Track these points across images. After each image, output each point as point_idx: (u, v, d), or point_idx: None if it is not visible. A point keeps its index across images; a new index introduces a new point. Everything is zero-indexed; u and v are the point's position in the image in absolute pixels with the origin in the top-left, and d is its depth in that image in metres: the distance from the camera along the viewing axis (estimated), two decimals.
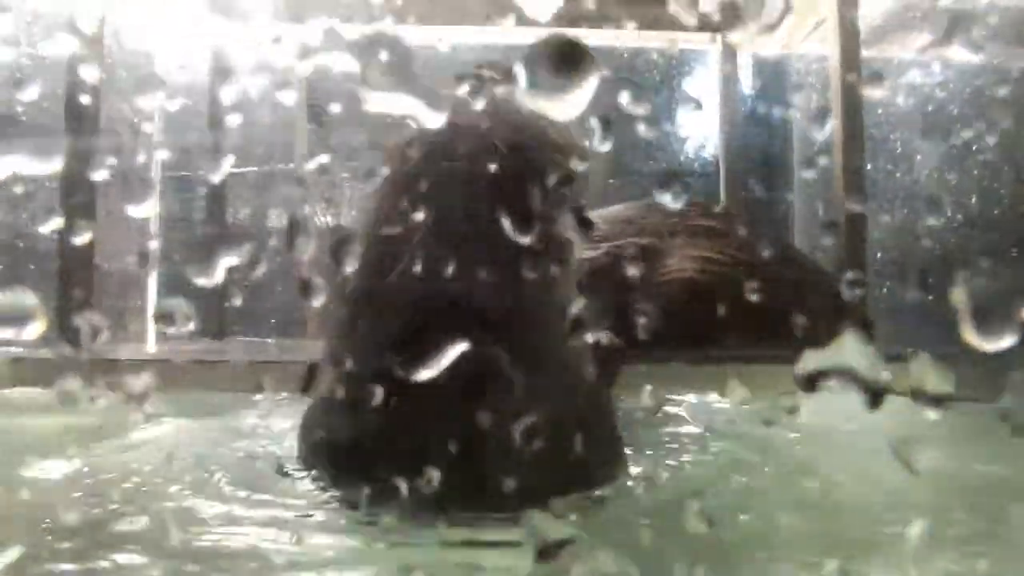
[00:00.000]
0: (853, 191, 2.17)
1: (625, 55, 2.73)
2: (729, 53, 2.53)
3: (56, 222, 1.95)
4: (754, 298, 1.50)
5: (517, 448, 0.68)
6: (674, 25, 2.51)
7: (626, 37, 2.45)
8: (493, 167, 0.83)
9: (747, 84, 2.80)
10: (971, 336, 0.53)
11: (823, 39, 2.43)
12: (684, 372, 1.42)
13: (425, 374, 0.64)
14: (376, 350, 0.73)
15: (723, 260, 1.67)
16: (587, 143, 0.87)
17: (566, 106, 0.61)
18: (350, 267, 0.78)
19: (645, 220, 1.79)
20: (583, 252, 1.71)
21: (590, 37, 2.40)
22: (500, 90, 0.94)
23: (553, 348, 0.77)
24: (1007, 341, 0.52)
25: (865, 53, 2.34)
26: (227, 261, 0.90)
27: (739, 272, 1.61)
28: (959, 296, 0.52)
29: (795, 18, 2.49)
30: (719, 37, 2.51)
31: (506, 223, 0.74)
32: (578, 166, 0.93)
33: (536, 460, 0.68)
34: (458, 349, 0.65)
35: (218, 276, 0.81)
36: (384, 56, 0.63)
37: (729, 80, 2.53)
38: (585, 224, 0.94)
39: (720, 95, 2.55)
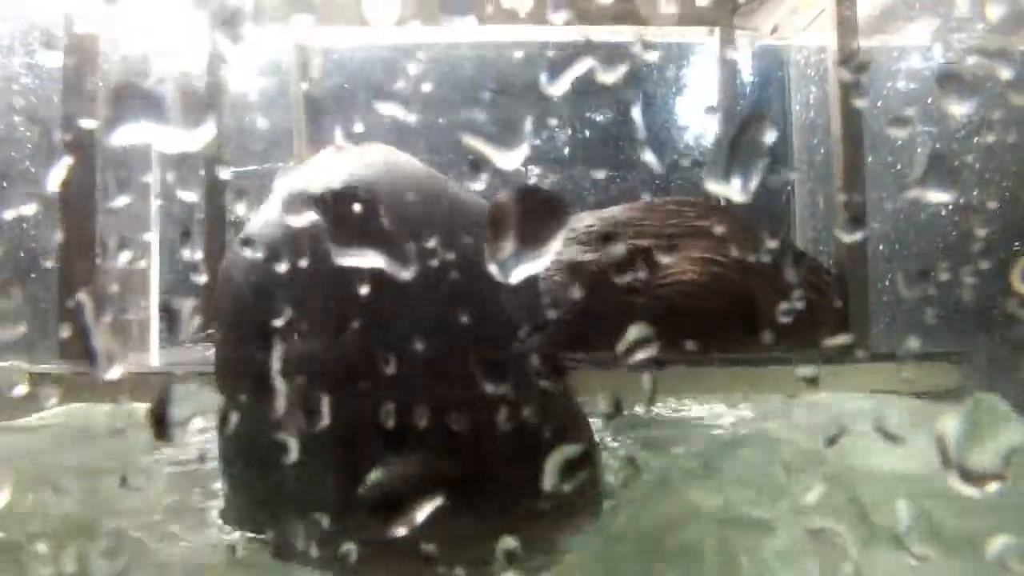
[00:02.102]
0: (852, 183, 2.15)
1: (622, 50, 2.71)
2: (727, 46, 2.52)
3: (56, 231, 1.95)
4: (756, 299, 1.49)
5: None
6: (672, 19, 2.50)
7: (623, 32, 2.43)
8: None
9: (746, 77, 2.79)
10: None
11: (822, 29, 2.41)
12: (687, 375, 1.42)
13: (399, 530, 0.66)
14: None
15: (724, 261, 1.67)
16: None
17: (536, 263, 0.59)
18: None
19: (644, 221, 1.78)
20: (583, 256, 1.70)
21: (589, 33, 2.38)
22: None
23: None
24: None
25: (864, 43, 2.32)
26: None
27: (740, 273, 1.60)
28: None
29: (794, 9, 2.48)
30: (717, 30, 2.49)
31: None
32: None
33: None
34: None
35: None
36: (354, 210, 0.63)
37: (728, 73, 2.51)
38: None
39: (719, 89, 2.53)
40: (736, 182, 0.63)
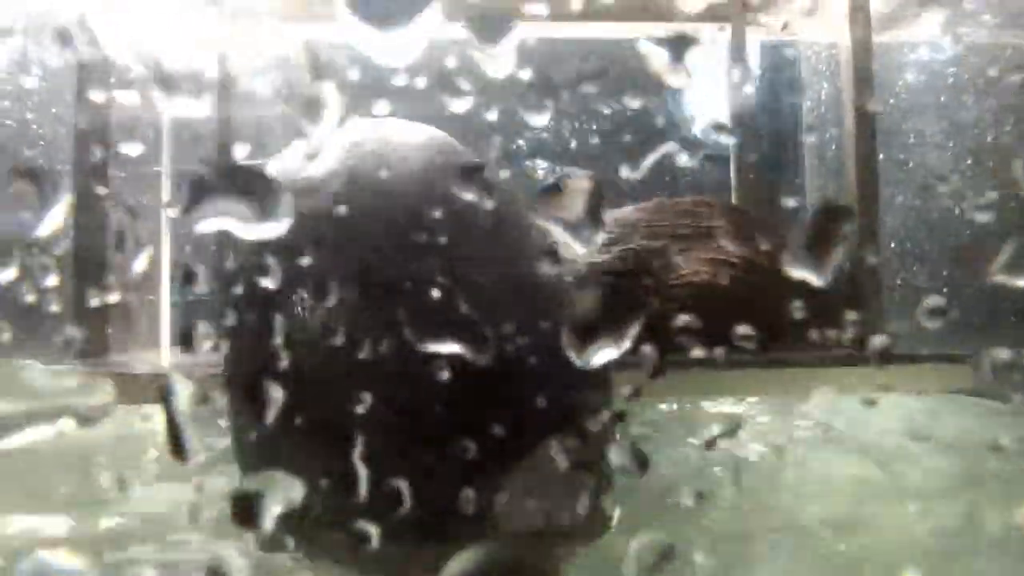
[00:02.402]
0: (865, 180, 2.14)
1: (633, 46, 2.69)
2: (738, 42, 2.50)
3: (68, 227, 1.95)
4: (770, 300, 1.49)
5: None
6: (683, 15, 2.47)
7: (634, 29, 2.42)
8: None
9: (757, 73, 2.77)
10: None
11: (834, 25, 2.40)
12: (701, 378, 1.41)
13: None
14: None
15: (737, 263, 1.66)
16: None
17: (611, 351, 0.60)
18: None
19: (656, 222, 1.77)
20: (594, 257, 1.70)
21: (598, 30, 2.37)
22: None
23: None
24: None
25: (877, 39, 2.31)
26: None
27: (754, 274, 1.60)
28: None
29: (805, 3, 2.46)
30: (728, 26, 2.48)
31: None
32: None
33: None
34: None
35: None
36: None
37: (738, 70, 2.49)
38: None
39: (730, 85, 2.52)
40: (817, 271, 0.64)
